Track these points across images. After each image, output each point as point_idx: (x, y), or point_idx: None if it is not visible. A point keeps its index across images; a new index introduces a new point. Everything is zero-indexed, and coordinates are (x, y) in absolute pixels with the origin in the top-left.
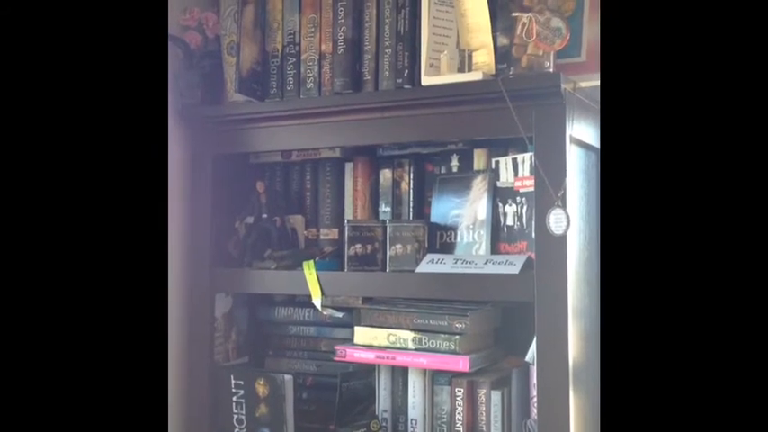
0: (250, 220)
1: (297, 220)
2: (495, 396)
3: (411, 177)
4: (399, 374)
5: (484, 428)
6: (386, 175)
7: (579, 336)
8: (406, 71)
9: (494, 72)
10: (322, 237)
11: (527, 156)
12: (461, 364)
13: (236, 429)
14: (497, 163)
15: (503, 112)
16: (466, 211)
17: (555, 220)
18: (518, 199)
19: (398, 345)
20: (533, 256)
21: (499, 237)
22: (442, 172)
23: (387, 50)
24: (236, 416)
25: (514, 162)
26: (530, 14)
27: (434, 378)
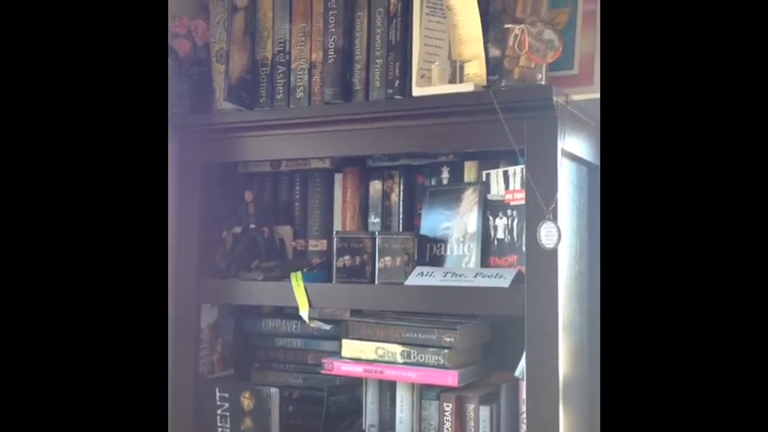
0: (238, 230)
1: (285, 231)
2: (484, 411)
3: (401, 189)
4: (387, 388)
5: None
6: (375, 186)
7: (569, 351)
8: (397, 81)
9: (485, 84)
10: (310, 248)
11: (518, 168)
12: (450, 378)
13: None
14: (488, 175)
15: (494, 124)
16: (456, 224)
17: (546, 234)
18: (509, 212)
19: (386, 358)
20: (524, 269)
21: (489, 250)
22: (433, 184)
23: (378, 60)
24: (220, 429)
25: (505, 175)
26: (522, 26)
27: (422, 392)
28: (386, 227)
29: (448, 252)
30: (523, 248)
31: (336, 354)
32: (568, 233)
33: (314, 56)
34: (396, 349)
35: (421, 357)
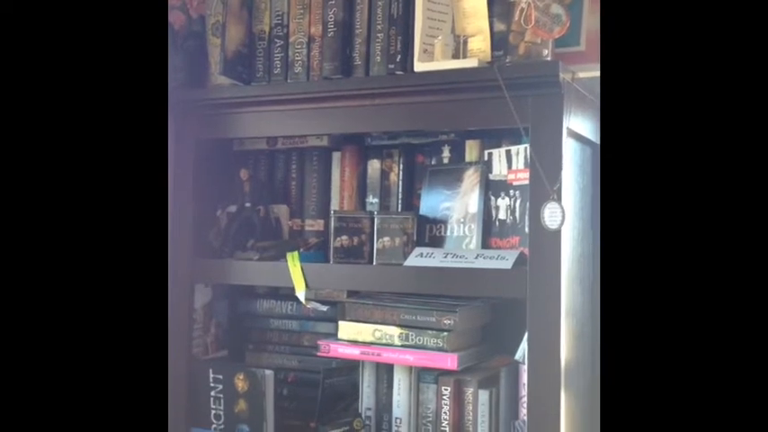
0: (232, 208)
1: (281, 210)
2: (483, 395)
3: (400, 168)
4: (384, 371)
5: (470, 428)
6: (374, 165)
7: (571, 335)
8: (399, 56)
9: (489, 59)
10: (307, 228)
11: (521, 147)
12: (449, 361)
13: (214, 425)
14: (490, 155)
15: (498, 101)
16: (457, 204)
17: (550, 215)
18: (511, 192)
19: (384, 341)
20: (526, 251)
21: (491, 231)
22: (433, 163)
23: (379, 34)
24: (213, 411)
25: (508, 154)
26: (528, 0)
27: (420, 376)
28: (384, 207)
29: (448, 233)
30: (526, 230)
31: (332, 336)
32: (571, 215)
33: (313, 29)
34: (393, 331)
35: (419, 340)
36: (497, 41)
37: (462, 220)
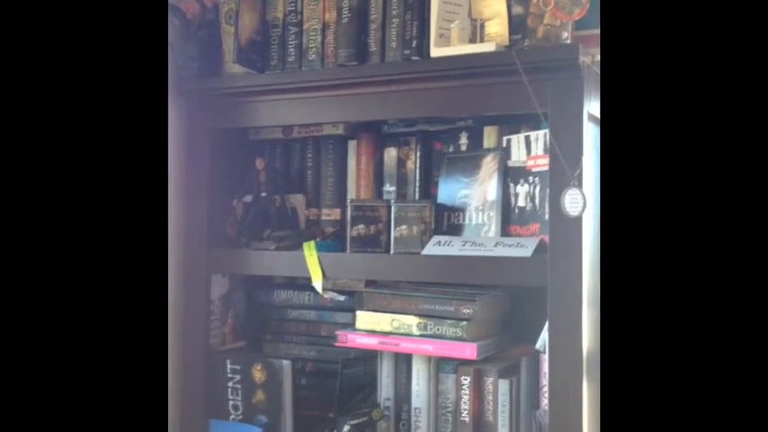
0: (248, 198)
1: (297, 200)
2: (503, 385)
3: (417, 156)
4: (403, 361)
5: (490, 418)
6: (391, 153)
7: (593, 323)
8: (415, 42)
9: (507, 43)
10: (323, 217)
11: (541, 133)
12: (468, 351)
13: (232, 416)
14: (509, 141)
15: (516, 86)
16: (475, 192)
17: (570, 201)
18: (530, 179)
19: (402, 330)
20: (546, 239)
21: (510, 218)
22: (450, 150)
23: (394, 20)
24: (231, 402)
25: (527, 140)
26: None
27: (439, 366)
28: (401, 195)
29: (466, 221)
30: (546, 216)
31: (350, 326)
32: (592, 201)
33: (327, 15)
34: (412, 321)
35: (438, 329)
36: (515, 25)
37: (481, 207)
